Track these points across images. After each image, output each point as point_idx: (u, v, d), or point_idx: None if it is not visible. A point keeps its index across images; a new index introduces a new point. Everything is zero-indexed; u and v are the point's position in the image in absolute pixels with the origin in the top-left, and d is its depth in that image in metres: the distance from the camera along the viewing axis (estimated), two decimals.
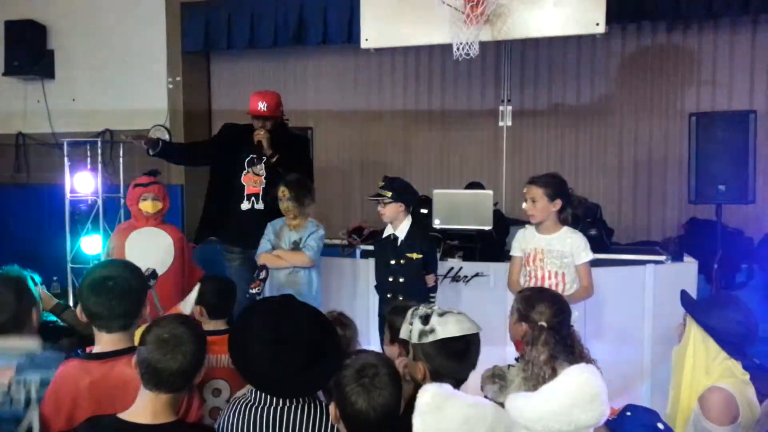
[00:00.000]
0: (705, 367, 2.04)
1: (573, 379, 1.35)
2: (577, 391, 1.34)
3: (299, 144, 4.24)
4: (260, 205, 3.88)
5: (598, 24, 3.74)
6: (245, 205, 3.90)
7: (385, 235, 3.45)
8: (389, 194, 3.33)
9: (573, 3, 3.75)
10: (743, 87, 5.54)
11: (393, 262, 3.36)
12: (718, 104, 5.49)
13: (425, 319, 1.81)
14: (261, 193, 3.88)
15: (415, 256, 3.32)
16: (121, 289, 1.95)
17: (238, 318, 1.98)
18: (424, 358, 1.80)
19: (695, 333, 2.08)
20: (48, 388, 1.85)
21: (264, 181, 3.88)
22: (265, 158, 3.87)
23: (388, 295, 3.35)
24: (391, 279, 3.36)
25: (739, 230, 5.22)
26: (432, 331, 1.78)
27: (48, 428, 1.84)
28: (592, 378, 1.35)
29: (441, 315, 1.81)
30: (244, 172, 3.91)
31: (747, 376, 2.04)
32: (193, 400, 1.98)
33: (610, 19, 3.76)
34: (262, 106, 3.85)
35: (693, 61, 5.67)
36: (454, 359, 1.75)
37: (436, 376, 1.78)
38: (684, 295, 2.21)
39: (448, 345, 1.76)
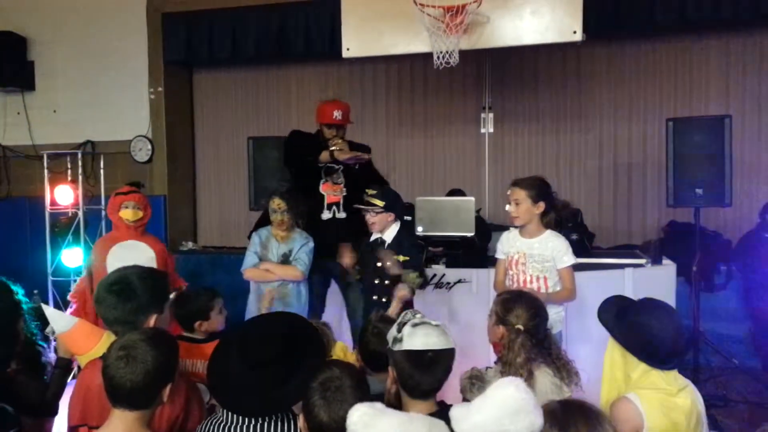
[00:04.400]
0: (621, 377, 1.98)
1: (498, 392, 1.40)
2: (501, 404, 1.39)
3: (366, 152, 4.10)
4: (342, 214, 3.81)
5: (575, 32, 3.78)
6: (326, 215, 3.84)
7: (372, 239, 3.43)
8: (381, 204, 3.28)
9: (550, 11, 3.79)
10: (719, 92, 5.65)
11: (379, 264, 3.32)
12: (695, 109, 5.59)
13: (400, 327, 1.84)
14: (342, 202, 3.82)
15: (401, 258, 3.31)
16: (123, 295, 2.01)
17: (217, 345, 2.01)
18: (393, 364, 1.83)
19: (611, 346, 2.04)
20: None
21: (344, 189, 3.82)
22: (341, 166, 3.82)
23: (374, 298, 3.33)
24: (377, 281, 3.33)
25: (717, 233, 5.30)
26: (400, 340, 1.80)
27: (69, 420, 1.99)
28: (515, 392, 1.40)
29: (414, 326, 1.83)
30: (322, 181, 3.83)
31: (676, 388, 1.94)
32: (192, 408, 1.99)
33: (587, 26, 3.81)
34: (337, 114, 3.80)
35: (670, 67, 5.77)
36: (418, 370, 1.76)
37: (402, 384, 1.80)
38: (603, 304, 2.15)
39: (415, 356, 1.78)
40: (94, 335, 2.20)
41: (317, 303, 3.87)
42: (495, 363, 2.25)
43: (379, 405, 1.46)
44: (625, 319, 2.02)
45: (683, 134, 4.40)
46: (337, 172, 3.85)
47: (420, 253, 3.54)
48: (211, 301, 2.77)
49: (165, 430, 1.90)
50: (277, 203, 3.54)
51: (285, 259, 3.57)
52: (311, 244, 3.58)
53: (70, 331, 2.26)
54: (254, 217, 4.19)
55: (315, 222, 3.80)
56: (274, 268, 3.54)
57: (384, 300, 3.24)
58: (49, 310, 2.41)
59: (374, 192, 3.34)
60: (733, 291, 5.05)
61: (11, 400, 2.06)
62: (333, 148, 3.78)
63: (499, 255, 3.34)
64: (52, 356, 2.48)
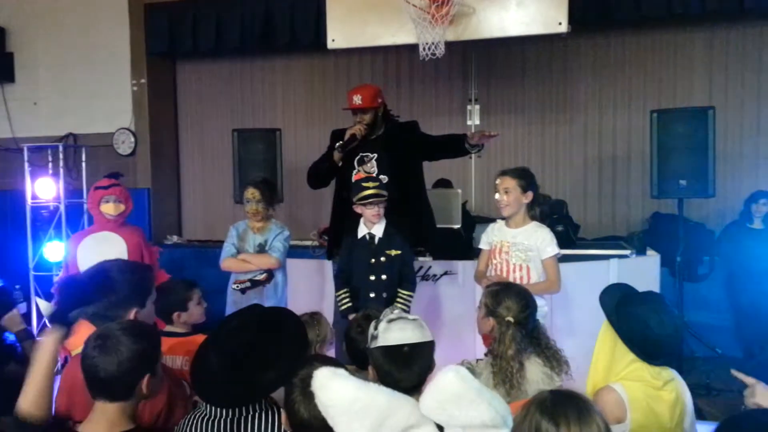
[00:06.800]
0: (608, 365, 1.99)
1: (438, 380, 1.42)
2: (441, 389, 1.40)
3: (407, 130, 3.91)
4: None
5: (560, 23, 3.78)
6: None
7: (359, 235, 3.33)
8: (386, 194, 3.25)
9: (536, 3, 3.79)
10: (702, 84, 5.68)
11: (373, 260, 3.27)
12: (678, 101, 5.62)
13: (377, 324, 1.82)
14: None
15: (393, 252, 3.28)
16: (101, 289, 1.99)
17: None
18: (372, 362, 1.81)
19: (604, 330, 2.04)
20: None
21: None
22: (375, 155, 3.69)
23: (371, 294, 3.26)
24: (373, 278, 3.27)
25: (700, 223, 5.35)
26: (376, 337, 1.79)
27: (56, 409, 1.97)
28: (454, 378, 1.40)
29: (390, 321, 1.81)
30: (355, 171, 3.73)
31: (662, 381, 1.95)
32: (175, 404, 1.97)
33: (573, 18, 3.81)
34: (356, 99, 3.72)
35: (654, 59, 5.80)
36: (395, 366, 1.75)
37: (382, 382, 1.77)
38: (608, 287, 2.15)
39: (392, 352, 1.76)
40: (86, 332, 2.17)
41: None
42: (485, 355, 2.25)
43: (341, 370, 1.47)
44: (624, 307, 2.02)
45: (667, 125, 4.42)
46: (371, 161, 3.76)
47: (411, 247, 3.51)
48: (188, 291, 2.70)
49: (147, 425, 1.88)
50: (251, 193, 3.56)
51: (261, 249, 3.59)
52: (286, 233, 3.61)
53: None
54: (239, 209, 4.15)
55: (349, 215, 3.62)
56: (251, 258, 3.56)
57: (385, 294, 3.21)
58: (43, 304, 2.38)
59: (377, 183, 3.31)
60: (716, 281, 5.09)
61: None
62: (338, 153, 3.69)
63: (483, 245, 3.36)
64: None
